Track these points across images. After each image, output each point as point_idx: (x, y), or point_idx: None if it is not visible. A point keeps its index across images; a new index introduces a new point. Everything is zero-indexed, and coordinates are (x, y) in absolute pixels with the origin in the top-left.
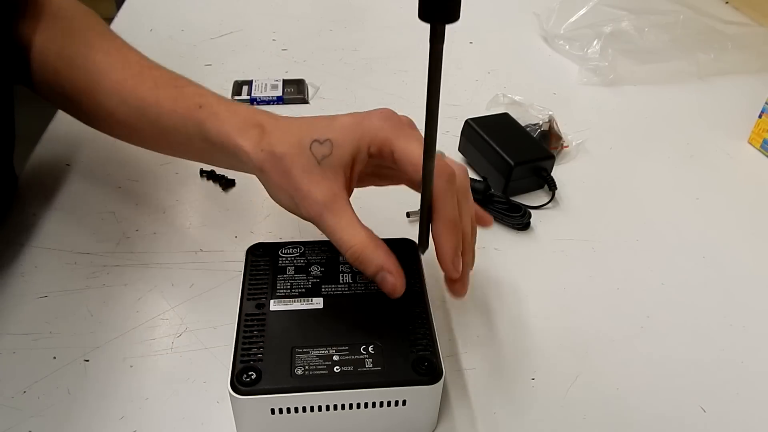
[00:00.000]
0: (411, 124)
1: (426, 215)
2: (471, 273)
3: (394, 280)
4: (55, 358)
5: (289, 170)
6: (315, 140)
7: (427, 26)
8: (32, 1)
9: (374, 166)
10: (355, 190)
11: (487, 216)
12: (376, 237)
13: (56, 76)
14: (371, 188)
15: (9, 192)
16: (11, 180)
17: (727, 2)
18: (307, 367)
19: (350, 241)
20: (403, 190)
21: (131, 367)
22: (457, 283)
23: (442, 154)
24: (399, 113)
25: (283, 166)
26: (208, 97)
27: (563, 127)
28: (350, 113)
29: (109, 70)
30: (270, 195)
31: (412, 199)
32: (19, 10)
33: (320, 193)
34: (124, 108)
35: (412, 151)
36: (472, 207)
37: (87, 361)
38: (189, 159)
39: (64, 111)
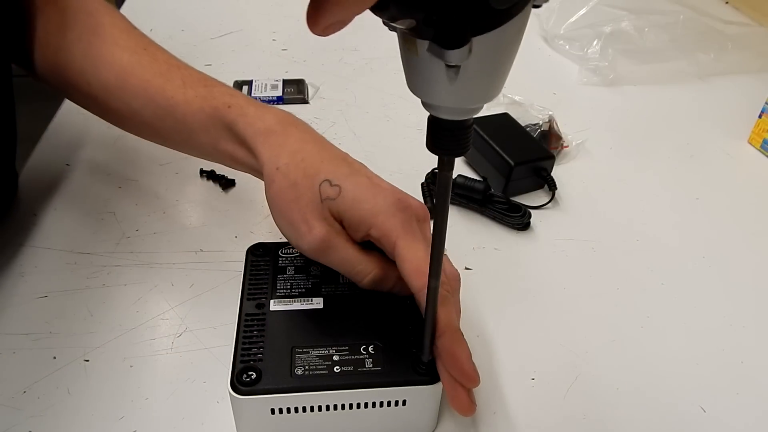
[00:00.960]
0: (423, 217)
1: (431, 330)
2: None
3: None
4: (55, 358)
5: (296, 201)
6: (327, 180)
7: None
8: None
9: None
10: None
11: None
12: (384, 257)
13: (82, 76)
14: None
15: (10, 192)
16: (12, 180)
17: (727, 2)
18: (307, 367)
19: (365, 269)
20: (403, 190)
21: (131, 367)
22: (470, 393)
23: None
24: (399, 113)
25: (293, 194)
26: (238, 98)
27: (563, 127)
28: (369, 173)
29: (136, 68)
30: (271, 212)
31: None
32: (38, 8)
33: (322, 229)
34: (151, 107)
35: (414, 254)
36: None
37: (87, 361)
38: (212, 160)
39: (89, 111)
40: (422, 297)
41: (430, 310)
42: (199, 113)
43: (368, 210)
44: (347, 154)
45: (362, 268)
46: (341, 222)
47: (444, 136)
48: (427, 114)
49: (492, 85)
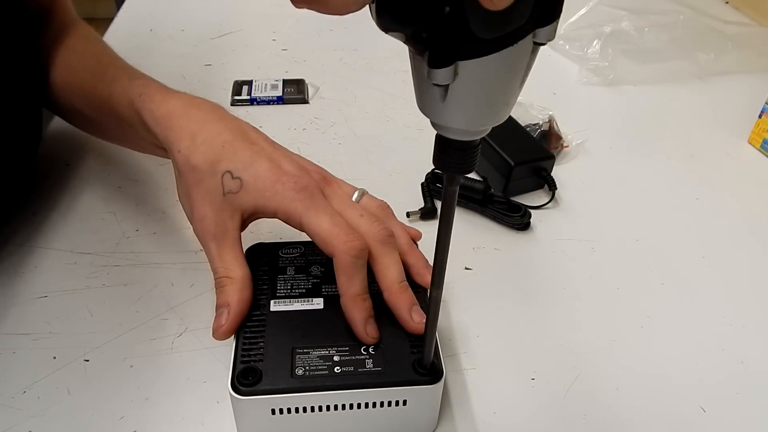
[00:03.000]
0: (323, 182)
1: (431, 334)
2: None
3: (223, 321)
4: (55, 358)
5: (197, 186)
6: (229, 171)
7: None
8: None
9: None
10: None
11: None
12: (248, 279)
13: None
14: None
15: (24, 185)
16: (27, 175)
17: (727, 2)
18: (307, 368)
19: (221, 270)
20: (403, 190)
21: (131, 367)
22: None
23: (364, 192)
24: (399, 113)
25: (193, 178)
26: (150, 86)
27: (563, 127)
28: (270, 151)
29: (79, 70)
30: (178, 195)
31: (413, 199)
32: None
33: (213, 223)
34: (88, 103)
35: (319, 225)
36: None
37: (87, 361)
38: (144, 152)
39: (57, 115)
40: (338, 262)
41: (431, 316)
42: (121, 105)
43: (270, 199)
44: (248, 128)
45: (220, 269)
46: (247, 210)
47: (449, 154)
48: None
49: (486, 112)
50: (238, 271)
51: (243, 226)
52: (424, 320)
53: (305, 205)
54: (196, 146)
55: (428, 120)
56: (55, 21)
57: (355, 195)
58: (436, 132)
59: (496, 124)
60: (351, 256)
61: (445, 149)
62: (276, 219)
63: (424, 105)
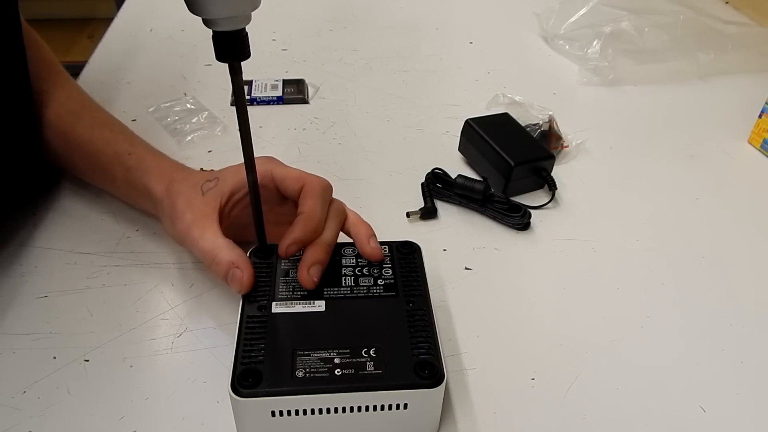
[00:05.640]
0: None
1: (258, 215)
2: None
3: (241, 274)
4: (55, 358)
5: (176, 201)
6: (207, 180)
7: (427, 28)
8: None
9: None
10: (355, 193)
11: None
12: (235, 245)
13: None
14: (371, 189)
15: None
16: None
17: (727, 2)
18: (308, 370)
19: (208, 248)
20: (403, 190)
21: (131, 367)
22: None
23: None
24: (399, 113)
25: (173, 198)
26: (137, 146)
27: (563, 127)
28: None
29: (64, 116)
30: (166, 231)
31: (412, 200)
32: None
33: (191, 214)
34: (65, 144)
35: (289, 170)
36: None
37: (87, 361)
38: (122, 198)
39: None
40: (309, 188)
41: (254, 203)
42: (103, 155)
43: (243, 170)
44: None
45: (205, 247)
46: (226, 193)
47: (225, 45)
48: (423, 113)
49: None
50: (221, 241)
51: (223, 211)
52: (380, 248)
53: (274, 164)
54: (179, 184)
55: (428, 120)
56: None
57: None
58: (211, 33)
59: (255, 9)
60: (321, 186)
61: (221, 41)
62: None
63: (192, 5)
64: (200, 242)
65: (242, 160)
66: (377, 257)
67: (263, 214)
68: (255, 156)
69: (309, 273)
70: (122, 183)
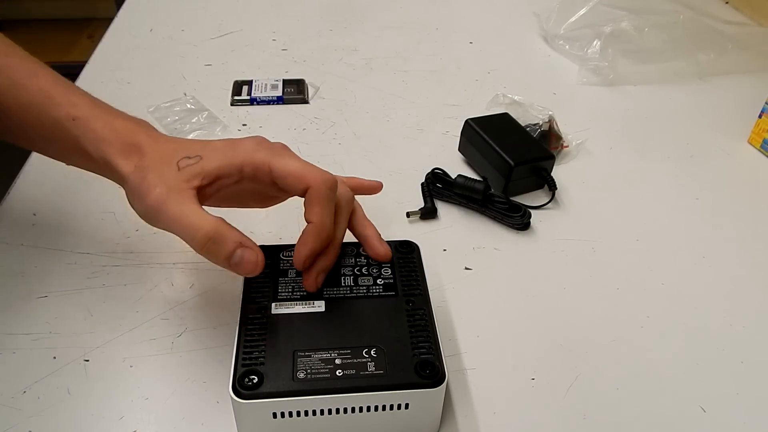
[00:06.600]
0: (285, 147)
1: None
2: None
3: (255, 255)
4: (55, 358)
5: (146, 176)
6: (185, 156)
7: (427, 28)
8: None
9: (253, 189)
10: (355, 195)
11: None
12: (223, 222)
13: None
14: None
15: None
16: None
17: (727, 2)
18: (309, 371)
19: (200, 223)
20: (403, 190)
21: (131, 367)
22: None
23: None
24: (399, 113)
25: (143, 174)
26: (80, 107)
27: (563, 127)
28: (223, 139)
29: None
30: (131, 205)
31: (413, 199)
32: None
33: (164, 187)
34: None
35: (289, 164)
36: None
37: (87, 361)
38: (69, 164)
39: None
40: (314, 193)
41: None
42: (42, 125)
43: (233, 157)
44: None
45: (195, 222)
46: (209, 175)
47: None
48: (422, 113)
49: None
50: (212, 217)
51: (207, 196)
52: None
53: (271, 153)
54: (151, 159)
55: (428, 120)
56: None
57: None
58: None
59: None
60: (327, 187)
61: None
62: (266, 215)
63: None
64: (186, 218)
65: (227, 138)
66: (388, 257)
67: (249, 206)
68: (245, 137)
69: (317, 280)
70: (75, 155)
